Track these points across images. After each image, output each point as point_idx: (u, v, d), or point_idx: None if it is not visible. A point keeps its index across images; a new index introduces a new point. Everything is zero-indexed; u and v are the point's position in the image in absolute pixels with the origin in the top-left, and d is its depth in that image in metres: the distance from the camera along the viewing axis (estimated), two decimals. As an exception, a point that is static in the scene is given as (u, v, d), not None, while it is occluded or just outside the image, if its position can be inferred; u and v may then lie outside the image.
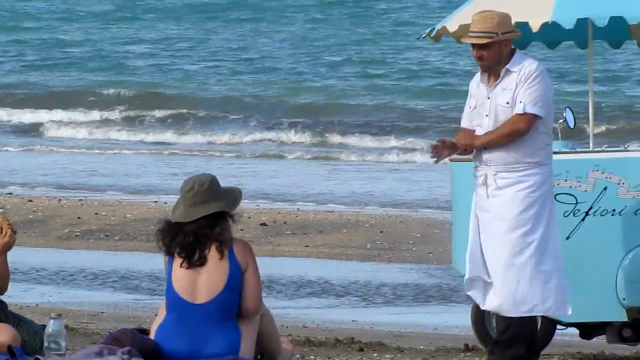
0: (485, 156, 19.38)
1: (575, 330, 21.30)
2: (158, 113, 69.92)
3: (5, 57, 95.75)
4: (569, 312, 19.91)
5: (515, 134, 19.44)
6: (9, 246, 19.03)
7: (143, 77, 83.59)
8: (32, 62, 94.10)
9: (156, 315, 18.39)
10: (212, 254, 18.15)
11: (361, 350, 21.26)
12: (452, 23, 21.54)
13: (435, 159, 19.99)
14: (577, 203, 20.76)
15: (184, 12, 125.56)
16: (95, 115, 70.36)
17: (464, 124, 19.74)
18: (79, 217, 33.54)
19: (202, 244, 18.24)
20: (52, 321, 18.34)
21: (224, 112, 72.90)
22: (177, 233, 18.34)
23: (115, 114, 70.95)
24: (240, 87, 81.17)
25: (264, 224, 31.75)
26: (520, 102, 19.24)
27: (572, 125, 21.99)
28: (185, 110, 71.70)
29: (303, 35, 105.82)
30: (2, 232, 18.84)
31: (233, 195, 18.58)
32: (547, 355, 20.82)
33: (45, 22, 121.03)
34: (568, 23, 21.32)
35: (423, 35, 23.29)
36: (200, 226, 18.28)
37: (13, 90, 77.06)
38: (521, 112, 19.20)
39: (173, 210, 18.50)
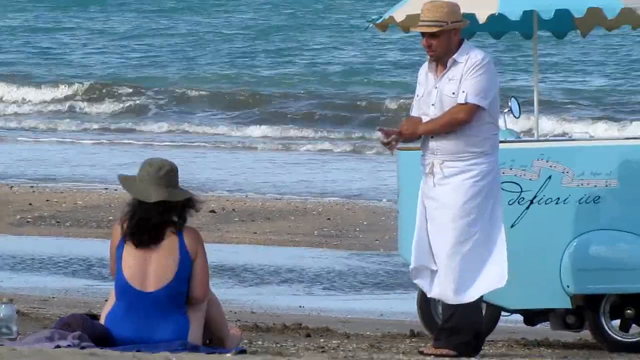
0: (432, 145, 19.25)
1: (519, 317, 21.23)
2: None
3: None
4: (507, 303, 20.59)
5: (454, 123, 19.46)
6: None
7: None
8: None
9: (106, 300, 18.46)
10: (167, 239, 18.21)
11: (308, 335, 21.13)
12: (399, 13, 21.27)
13: (389, 150, 19.87)
14: (521, 191, 20.63)
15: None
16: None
17: (413, 112, 19.68)
18: (30, 204, 33.52)
19: (159, 225, 18.33)
20: (3, 306, 18.62)
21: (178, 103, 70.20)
22: (139, 209, 18.49)
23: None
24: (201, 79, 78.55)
25: (213, 211, 31.66)
26: (463, 92, 19.24)
27: (517, 115, 21.94)
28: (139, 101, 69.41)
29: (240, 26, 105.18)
30: None
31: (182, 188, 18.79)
32: (492, 341, 20.68)
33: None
34: (514, 15, 21.29)
35: (369, 24, 23.28)
36: (166, 209, 18.36)
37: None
38: (463, 102, 19.20)
39: (132, 187, 18.72)
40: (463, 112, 19.27)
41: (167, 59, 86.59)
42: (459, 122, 19.42)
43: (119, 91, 66.21)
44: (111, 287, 18.44)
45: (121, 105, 65.41)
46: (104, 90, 70.04)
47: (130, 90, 67.33)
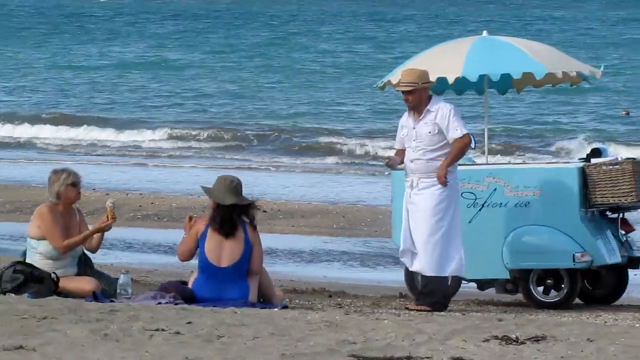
0: (412, 167, 19.64)
1: (474, 285, 21.57)
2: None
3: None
4: (464, 273, 20.50)
5: (465, 147, 19.89)
6: (107, 229, 19.29)
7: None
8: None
9: (192, 272, 19.20)
10: (237, 231, 18.71)
11: (330, 296, 21.46)
12: (394, 78, 21.31)
13: (390, 168, 20.46)
14: (476, 198, 20.96)
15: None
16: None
17: (397, 145, 20.07)
18: (140, 205, 33.86)
19: (233, 221, 18.66)
20: (122, 275, 19.20)
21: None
22: (220, 210, 18.77)
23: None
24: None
25: (265, 211, 30.01)
26: (456, 129, 19.55)
27: (473, 147, 21.24)
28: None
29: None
30: (107, 218, 19.04)
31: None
32: (455, 301, 20.84)
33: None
34: (473, 77, 21.56)
35: (374, 86, 23.17)
36: (236, 210, 18.71)
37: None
38: (460, 135, 19.47)
39: (212, 194, 19.03)
40: (467, 138, 19.65)
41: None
42: (468, 145, 19.93)
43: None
44: (195, 263, 19.10)
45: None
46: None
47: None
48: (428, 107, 19.59)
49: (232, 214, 18.76)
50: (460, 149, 19.70)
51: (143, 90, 77.30)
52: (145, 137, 58.30)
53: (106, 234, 19.97)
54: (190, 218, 19.23)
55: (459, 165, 20.21)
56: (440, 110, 19.58)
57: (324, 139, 53.52)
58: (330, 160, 50.49)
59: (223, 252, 18.70)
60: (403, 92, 19.73)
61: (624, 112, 56.79)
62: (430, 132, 19.52)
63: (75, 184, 19.24)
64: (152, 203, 35.39)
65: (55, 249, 18.93)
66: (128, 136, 57.76)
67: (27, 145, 56.44)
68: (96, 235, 19.30)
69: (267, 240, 20.18)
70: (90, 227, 19.50)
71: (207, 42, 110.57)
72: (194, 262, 19.32)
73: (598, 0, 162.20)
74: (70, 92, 76.24)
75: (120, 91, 76.23)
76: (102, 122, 61.41)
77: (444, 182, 19.61)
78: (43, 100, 70.91)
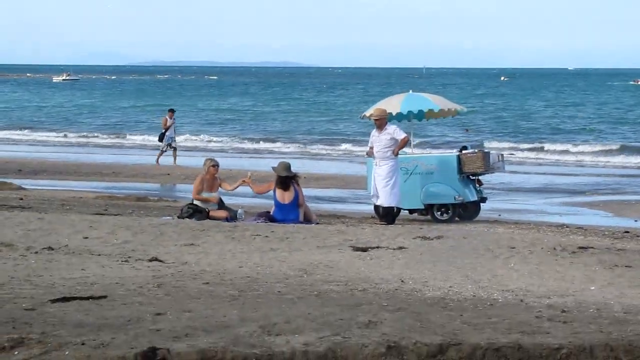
0: (377, 155, 19.64)
1: (407, 212, 21.25)
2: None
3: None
4: (402, 205, 20.40)
5: (406, 141, 19.70)
6: (245, 184, 19.15)
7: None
8: None
9: (272, 208, 18.93)
10: (291, 187, 18.71)
11: (338, 218, 20.77)
12: (368, 112, 21.00)
13: (368, 156, 20.27)
14: (407, 171, 20.76)
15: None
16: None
17: (370, 145, 19.92)
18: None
19: (288, 183, 18.68)
20: (239, 209, 19.27)
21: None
22: (279, 178, 18.70)
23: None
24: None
25: (304, 177, 27.22)
26: (400, 135, 19.37)
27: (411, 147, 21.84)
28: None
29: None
30: (244, 181, 19.07)
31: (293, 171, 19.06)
32: (399, 219, 20.26)
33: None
34: (405, 112, 21.50)
35: (359, 116, 22.67)
36: (288, 177, 18.75)
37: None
38: (403, 136, 19.37)
39: (276, 170, 18.72)
40: (406, 138, 19.58)
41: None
42: (407, 141, 19.82)
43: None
44: (272, 203, 18.89)
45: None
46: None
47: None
48: (386, 127, 19.69)
49: (287, 179, 18.74)
50: (403, 143, 19.64)
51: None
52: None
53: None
54: (249, 178, 19.05)
55: (400, 154, 19.90)
56: (391, 128, 19.67)
57: (338, 142, 52.22)
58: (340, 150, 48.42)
59: (284, 196, 18.66)
60: (375, 120, 19.81)
61: (466, 130, 54.85)
62: (386, 139, 19.55)
63: (215, 165, 19.25)
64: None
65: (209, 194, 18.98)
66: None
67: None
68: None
69: (305, 191, 19.77)
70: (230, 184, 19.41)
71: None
72: (271, 201, 18.94)
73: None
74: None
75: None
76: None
77: (396, 154, 19.51)
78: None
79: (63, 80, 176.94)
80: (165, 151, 36.69)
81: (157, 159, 36.55)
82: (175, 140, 37.14)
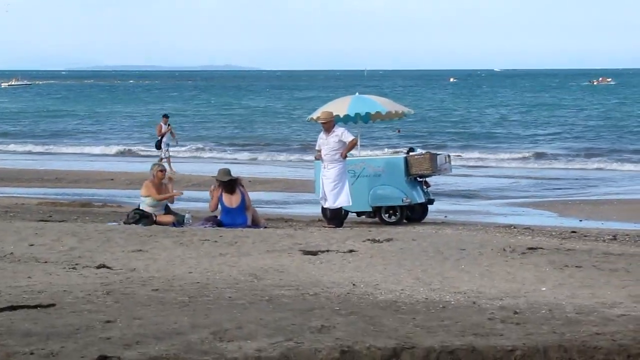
0: (325, 158, 19.63)
1: (354, 214, 21.19)
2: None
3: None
4: (350, 208, 20.35)
5: (354, 144, 19.78)
6: (179, 195, 19.34)
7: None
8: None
9: (221, 212, 18.72)
10: (237, 191, 18.65)
11: (286, 221, 20.65)
12: (315, 115, 21.08)
13: (316, 159, 20.21)
14: (355, 173, 20.72)
15: None
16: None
17: (317, 148, 19.96)
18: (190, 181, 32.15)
19: (233, 186, 18.62)
20: (187, 214, 19.23)
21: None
22: (222, 184, 18.61)
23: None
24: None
25: (249, 181, 27.60)
26: (348, 137, 19.37)
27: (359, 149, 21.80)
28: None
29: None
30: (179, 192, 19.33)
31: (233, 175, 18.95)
32: (347, 222, 20.43)
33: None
34: (352, 114, 21.56)
35: (306, 119, 22.54)
36: (232, 181, 18.66)
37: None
38: (351, 139, 19.34)
39: (218, 176, 18.69)
40: (355, 140, 19.63)
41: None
42: (355, 144, 19.91)
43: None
44: (219, 206, 18.64)
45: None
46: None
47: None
48: (334, 129, 19.69)
49: (231, 182, 18.64)
50: (352, 145, 19.68)
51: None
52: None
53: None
54: (213, 189, 18.91)
55: (347, 157, 19.90)
56: (338, 131, 19.67)
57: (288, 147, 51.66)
58: (283, 157, 47.10)
59: (232, 200, 18.58)
60: (322, 123, 19.79)
61: (397, 131, 53.36)
62: (334, 142, 19.57)
63: (162, 170, 19.26)
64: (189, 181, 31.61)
65: (155, 200, 18.82)
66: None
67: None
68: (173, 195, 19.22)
69: (251, 195, 19.72)
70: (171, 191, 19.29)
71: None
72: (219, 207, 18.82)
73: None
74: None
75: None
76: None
77: (345, 157, 19.53)
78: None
79: (9, 85, 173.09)
80: (168, 157, 35.83)
81: (169, 165, 34.76)
82: (169, 147, 36.46)
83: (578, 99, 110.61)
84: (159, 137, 35.96)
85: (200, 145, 52.53)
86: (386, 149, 27.80)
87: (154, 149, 37.83)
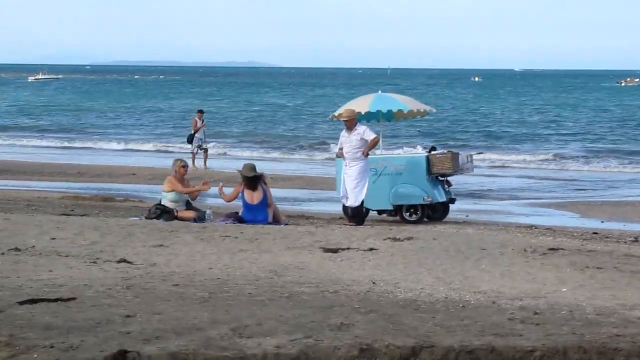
0: (346, 156, 19.67)
1: (376, 212, 21.39)
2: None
3: None
4: (371, 206, 20.75)
5: (376, 143, 19.77)
6: (205, 190, 19.15)
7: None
8: None
9: (241, 207, 18.78)
10: (259, 187, 18.66)
11: (307, 219, 20.71)
12: (337, 113, 21.01)
13: (338, 157, 20.16)
14: (377, 172, 20.81)
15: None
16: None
17: (339, 146, 19.92)
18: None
19: (256, 183, 18.65)
20: (208, 210, 19.23)
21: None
22: (246, 179, 18.68)
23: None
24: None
25: (272, 178, 26.57)
26: (370, 135, 19.38)
27: (380, 149, 21.57)
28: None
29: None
30: (205, 186, 18.99)
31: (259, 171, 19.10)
32: (368, 220, 20.46)
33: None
34: (374, 111, 21.63)
35: (328, 117, 22.88)
36: (256, 177, 18.74)
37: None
38: (373, 137, 19.34)
39: (243, 171, 18.76)
40: (377, 138, 19.56)
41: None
42: (378, 142, 19.82)
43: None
44: (240, 204, 18.75)
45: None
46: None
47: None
48: (356, 127, 19.70)
49: (254, 179, 18.72)
50: (374, 144, 19.70)
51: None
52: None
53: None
54: (221, 187, 18.90)
55: (370, 155, 19.98)
56: (360, 129, 19.66)
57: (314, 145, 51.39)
58: (304, 154, 47.31)
59: (253, 197, 18.61)
60: (344, 120, 19.81)
61: (418, 132, 53.79)
62: (356, 140, 19.57)
63: (184, 165, 19.26)
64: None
65: (179, 195, 18.80)
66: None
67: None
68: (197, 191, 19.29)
69: (273, 192, 19.68)
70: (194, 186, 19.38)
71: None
72: (240, 203, 18.85)
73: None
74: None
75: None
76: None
77: (366, 155, 19.53)
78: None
79: (36, 79, 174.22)
80: (196, 153, 36.00)
81: (192, 161, 35.12)
82: (205, 142, 36.60)
83: (603, 99, 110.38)
84: (193, 132, 35.97)
85: (221, 142, 52.82)
86: (404, 148, 27.46)
87: (184, 144, 37.95)
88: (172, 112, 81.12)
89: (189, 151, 36.50)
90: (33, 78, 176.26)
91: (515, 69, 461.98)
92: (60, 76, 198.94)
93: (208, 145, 37.07)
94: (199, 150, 36.23)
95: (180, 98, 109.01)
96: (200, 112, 36.83)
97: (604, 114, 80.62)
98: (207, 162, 36.18)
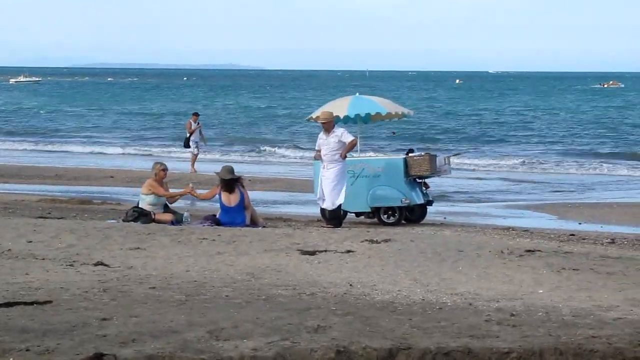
0: (324, 158, 19.64)
1: (353, 215, 21.38)
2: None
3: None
4: (349, 209, 20.64)
5: (354, 145, 19.77)
6: (185, 194, 19.11)
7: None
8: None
9: (219, 210, 18.66)
10: (236, 190, 18.58)
11: (284, 221, 20.63)
12: (314, 115, 21.25)
13: (316, 159, 20.18)
14: (354, 174, 20.80)
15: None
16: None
17: (317, 148, 19.92)
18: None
19: (233, 185, 18.55)
20: (186, 213, 19.06)
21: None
22: (224, 182, 18.57)
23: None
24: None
25: (249, 180, 27.27)
26: (348, 137, 19.36)
27: (358, 150, 21.70)
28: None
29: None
30: (187, 190, 18.99)
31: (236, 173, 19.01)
32: (346, 223, 20.51)
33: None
34: (352, 115, 21.62)
35: (305, 119, 22.91)
36: (233, 180, 18.64)
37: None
38: (351, 139, 19.29)
39: (220, 174, 18.65)
40: (354, 140, 19.57)
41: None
42: (355, 144, 19.84)
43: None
44: (218, 207, 18.59)
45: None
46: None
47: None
48: (333, 129, 19.72)
49: (232, 182, 18.64)
50: (351, 146, 19.67)
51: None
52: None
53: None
54: (192, 188, 19.01)
55: (347, 158, 19.90)
56: (338, 131, 19.69)
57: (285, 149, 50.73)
58: (283, 156, 47.22)
59: (230, 199, 18.53)
60: (322, 123, 19.82)
61: (393, 133, 53.91)
62: (334, 142, 19.57)
63: (164, 169, 19.09)
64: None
65: (157, 197, 18.61)
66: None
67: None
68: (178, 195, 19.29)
69: (250, 194, 19.39)
70: (173, 191, 19.37)
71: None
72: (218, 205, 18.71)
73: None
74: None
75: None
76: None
77: (344, 157, 19.50)
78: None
79: (17, 82, 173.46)
80: (197, 154, 35.73)
81: (192, 164, 35.12)
82: (201, 145, 36.33)
83: (583, 101, 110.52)
84: (188, 135, 35.77)
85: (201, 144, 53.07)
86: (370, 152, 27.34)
87: (161, 147, 38.06)
88: (148, 115, 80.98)
89: (187, 154, 36.25)
90: (14, 80, 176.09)
91: (490, 71, 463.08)
92: (48, 78, 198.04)
93: (200, 150, 36.59)
94: (198, 151, 36.01)
95: (157, 101, 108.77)
96: (195, 114, 36.48)
97: (582, 116, 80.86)
98: (194, 165, 35.62)
